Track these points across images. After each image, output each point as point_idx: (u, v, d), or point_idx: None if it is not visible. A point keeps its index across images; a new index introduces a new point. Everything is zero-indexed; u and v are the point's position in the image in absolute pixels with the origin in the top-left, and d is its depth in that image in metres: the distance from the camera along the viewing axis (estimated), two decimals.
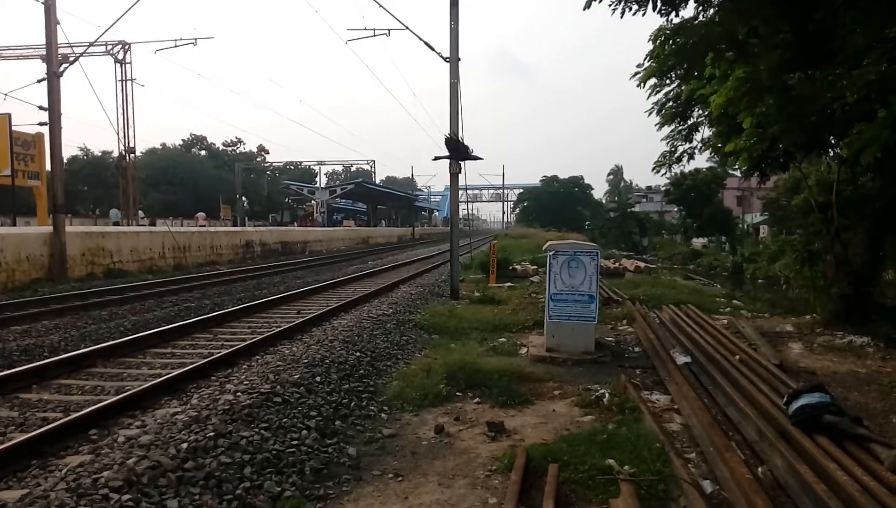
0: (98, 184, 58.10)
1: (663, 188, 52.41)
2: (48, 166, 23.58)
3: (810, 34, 7.90)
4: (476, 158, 14.54)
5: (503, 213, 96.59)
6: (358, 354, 7.75)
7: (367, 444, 5.13)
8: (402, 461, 4.80)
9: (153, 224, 34.40)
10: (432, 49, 14.93)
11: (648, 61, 9.81)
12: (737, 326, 10.37)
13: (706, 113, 11.45)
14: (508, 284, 16.81)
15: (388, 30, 17.08)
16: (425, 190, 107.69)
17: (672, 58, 9.03)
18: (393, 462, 4.79)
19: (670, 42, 8.73)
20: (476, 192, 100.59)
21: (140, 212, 39.02)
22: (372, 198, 74.62)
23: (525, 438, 5.25)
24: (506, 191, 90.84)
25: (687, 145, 12.83)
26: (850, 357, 8.40)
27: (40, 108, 19.98)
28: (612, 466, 4.32)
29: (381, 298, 13.70)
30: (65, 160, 22.95)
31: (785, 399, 5.06)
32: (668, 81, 11.62)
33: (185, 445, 4.29)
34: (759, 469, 4.44)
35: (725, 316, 11.90)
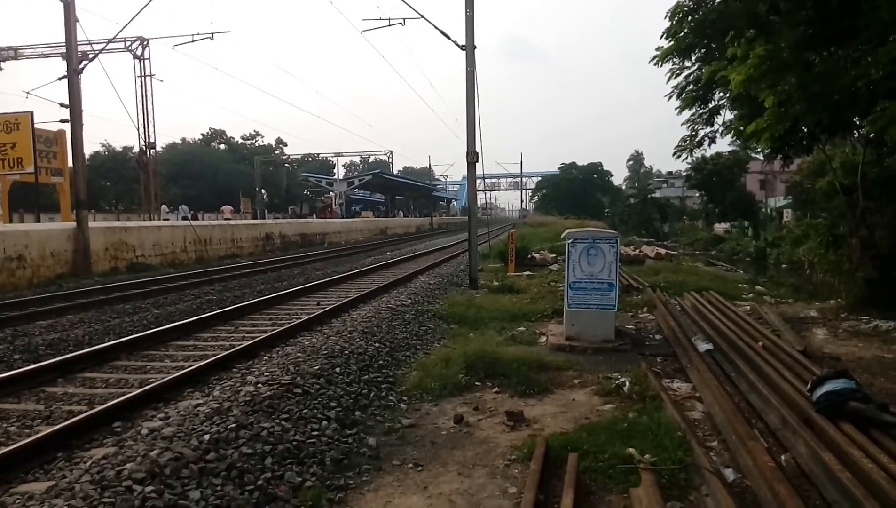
0: (120, 179, 58.72)
1: (684, 173, 51.81)
2: (70, 163, 23.89)
3: (833, 10, 7.70)
4: None
5: (521, 201, 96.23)
6: (377, 345, 7.77)
7: (386, 434, 5.14)
8: (421, 451, 4.81)
9: (195, 218, 35.18)
10: (448, 37, 14.84)
11: (666, 39, 9.64)
12: (760, 312, 10.23)
13: (727, 95, 11.27)
14: (527, 272, 16.75)
15: (404, 19, 16.94)
16: (443, 180, 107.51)
17: (691, 35, 8.86)
18: (412, 451, 4.80)
19: (689, 19, 8.57)
20: (494, 180, 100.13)
21: (164, 206, 39.42)
22: (390, 189, 74.68)
23: (545, 427, 5.23)
24: (524, 179, 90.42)
25: (708, 129, 12.68)
26: (875, 342, 8.25)
27: (62, 105, 20.19)
28: (632, 455, 4.29)
29: (400, 288, 13.73)
30: (86, 157, 23.28)
31: (809, 386, 4.98)
32: (688, 64, 11.45)
33: (207, 436, 4.33)
34: (783, 458, 4.37)
35: (748, 302, 11.76)
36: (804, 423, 4.61)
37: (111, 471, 3.76)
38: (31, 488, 3.94)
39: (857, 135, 11.01)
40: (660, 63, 10.50)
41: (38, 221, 25.26)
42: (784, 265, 24.68)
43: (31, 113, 25.42)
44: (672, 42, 9.59)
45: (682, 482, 4.02)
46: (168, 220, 31.88)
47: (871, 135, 9.62)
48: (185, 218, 34.36)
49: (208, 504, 3.61)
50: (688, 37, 8.99)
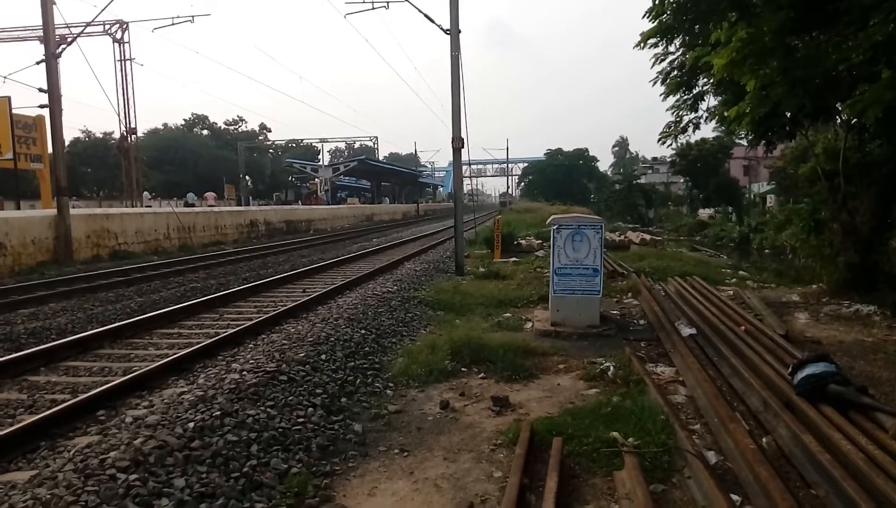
0: (101, 166, 58.01)
1: (669, 159, 52.07)
2: (50, 149, 23.50)
3: None
4: None
5: (507, 187, 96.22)
6: (363, 331, 7.76)
7: (372, 420, 5.15)
8: (407, 436, 4.83)
9: (190, 205, 35.56)
10: (432, 21, 14.74)
11: (649, 20, 9.60)
12: (742, 297, 10.34)
13: (711, 81, 11.29)
14: (513, 258, 16.79)
15: (387, 2, 16.81)
16: (429, 166, 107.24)
17: (673, 15, 8.82)
18: (399, 437, 4.81)
19: None
20: (480, 166, 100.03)
21: (146, 193, 39.06)
22: (375, 175, 74.35)
23: (530, 412, 5.26)
24: (510, 165, 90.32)
25: (692, 115, 12.67)
26: (856, 326, 8.37)
27: (40, 90, 19.85)
28: (616, 438, 4.33)
29: (386, 275, 13.70)
30: (66, 143, 22.93)
31: (790, 370, 5.05)
32: (672, 49, 11.44)
33: (191, 424, 4.31)
34: (764, 440, 4.44)
35: (731, 287, 11.87)
36: (785, 406, 4.68)
37: (95, 460, 3.74)
38: (14, 477, 3.92)
39: (839, 121, 11.10)
40: (643, 45, 10.45)
41: (18, 208, 24.88)
42: (767, 250, 24.97)
43: (9, 98, 24.95)
44: (655, 24, 9.56)
45: (665, 464, 4.07)
46: (150, 207, 31.63)
47: (853, 121, 9.70)
48: (191, 204, 35.69)
49: (193, 491, 3.60)
50: (670, 18, 8.95)
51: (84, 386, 5.98)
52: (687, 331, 7.49)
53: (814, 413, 4.37)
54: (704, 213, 45.88)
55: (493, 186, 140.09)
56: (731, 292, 11.05)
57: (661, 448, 4.20)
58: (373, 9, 16.95)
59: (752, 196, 47.07)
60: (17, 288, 12.17)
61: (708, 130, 44.09)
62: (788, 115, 10.21)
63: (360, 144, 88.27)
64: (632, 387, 5.63)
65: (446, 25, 14.38)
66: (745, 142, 17.99)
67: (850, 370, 6.03)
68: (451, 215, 18.18)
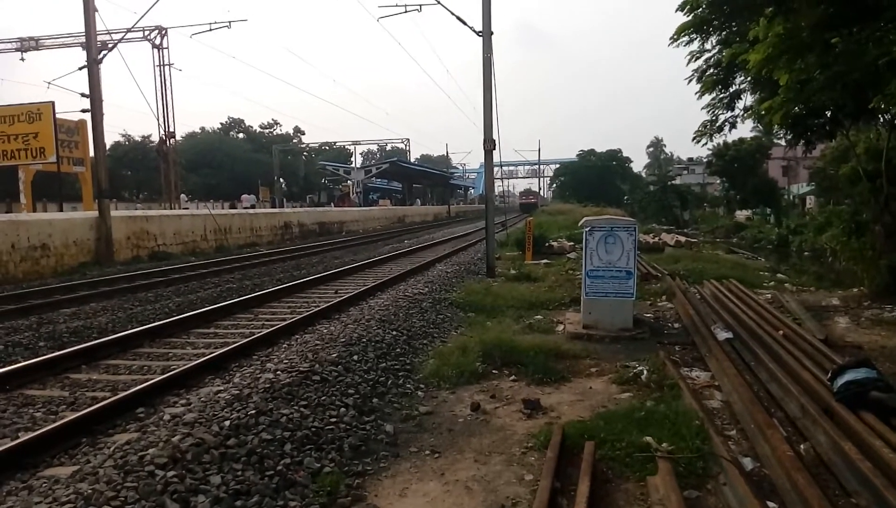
0: (140, 169, 59.32)
1: (705, 160, 51.25)
2: (92, 152, 24.14)
3: None
4: None
5: (539, 188, 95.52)
6: (394, 333, 7.81)
7: (404, 421, 5.18)
8: (438, 438, 4.84)
9: (233, 207, 37.31)
10: (464, 23, 14.74)
11: (683, 13, 9.43)
12: (781, 300, 10.12)
13: (748, 79, 11.07)
14: (545, 261, 16.70)
15: (420, 5, 16.88)
16: (460, 167, 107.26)
17: (708, 9, 8.65)
18: (430, 438, 4.83)
19: None
20: (512, 168, 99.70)
21: (183, 195, 39.92)
22: (407, 177, 74.68)
23: (561, 415, 5.23)
24: (542, 166, 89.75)
25: (729, 114, 12.44)
26: None
27: (82, 95, 20.39)
28: (649, 443, 4.28)
29: (417, 276, 13.76)
30: (107, 146, 23.53)
31: (829, 375, 4.93)
32: (707, 47, 11.26)
33: (227, 422, 4.39)
34: (802, 447, 4.33)
35: (769, 290, 11.63)
36: (824, 412, 4.57)
37: (134, 456, 3.83)
38: (57, 472, 4.04)
39: (881, 120, 10.79)
40: (677, 39, 10.25)
41: (61, 210, 25.61)
42: (806, 253, 24.38)
43: (53, 103, 25.73)
44: (689, 17, 9.39)
45: (700, 470, 4.00)
46: (188, 208, 32.32)
47: None
48: (251, 206, 38.22)
49: (229, 488, 3.66)
50: (705, 11, 8.77)
51: (124, 384, 6.12)
52: (723, 335, 7.35)
53: (854, 420, 4.26)
54: (741, 214, 45.03)
55: (525, 188, 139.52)
56: (769, 295, 10.83)
57: (696, 453, 4.13)
58: (405, 12, 17.04)
59: (790, 197, 46.06)
60: (60, 288, 12.54)
61: (745, 130, 43.32)
62: (828, 114, 9.96)
63: (392, 147, 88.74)
64: (666, 391, 5.55)
65: (478, 27, 14.38)
66: (783, 142, 17.63)
67: (892, 375, 5.83)
68: (482, 216, 18.18)
